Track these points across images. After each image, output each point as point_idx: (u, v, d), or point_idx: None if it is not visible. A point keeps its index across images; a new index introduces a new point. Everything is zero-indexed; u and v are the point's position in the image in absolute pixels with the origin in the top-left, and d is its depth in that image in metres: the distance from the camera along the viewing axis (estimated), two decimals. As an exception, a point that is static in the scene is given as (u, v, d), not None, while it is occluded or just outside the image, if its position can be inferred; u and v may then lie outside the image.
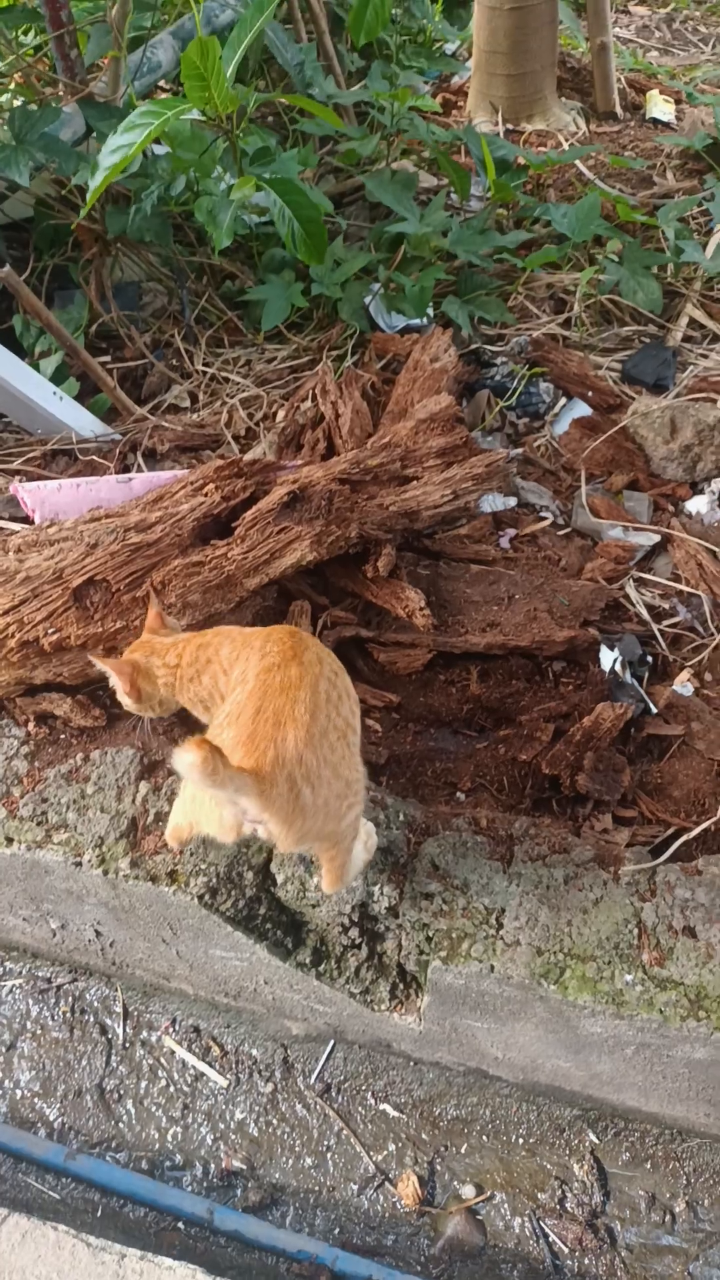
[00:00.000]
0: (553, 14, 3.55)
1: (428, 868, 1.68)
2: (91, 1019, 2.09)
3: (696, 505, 2.33)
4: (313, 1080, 1.98)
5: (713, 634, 2.13)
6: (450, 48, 4.22)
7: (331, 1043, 2.01)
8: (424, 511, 2.06)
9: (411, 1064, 1.98)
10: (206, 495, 1.97)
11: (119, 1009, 2.09)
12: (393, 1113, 1.94)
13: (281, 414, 2.46)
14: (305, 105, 2.49)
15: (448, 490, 2.06)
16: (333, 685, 1.34)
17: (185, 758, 1.08)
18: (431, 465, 2.13)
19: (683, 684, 2.07)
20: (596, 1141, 1.89)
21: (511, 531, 2.27)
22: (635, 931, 1.61)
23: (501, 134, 3.66)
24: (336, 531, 1.95)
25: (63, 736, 1.87)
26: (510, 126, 3.73)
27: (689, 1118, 1.82)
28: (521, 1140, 1.90)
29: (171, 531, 1.89)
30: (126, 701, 1.54)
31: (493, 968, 1.58)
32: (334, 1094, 1.97)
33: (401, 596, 2.01)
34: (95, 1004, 2.11)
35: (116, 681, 1.51)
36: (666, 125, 3.89)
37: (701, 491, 2.36)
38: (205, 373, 2.67)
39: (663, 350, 2.76)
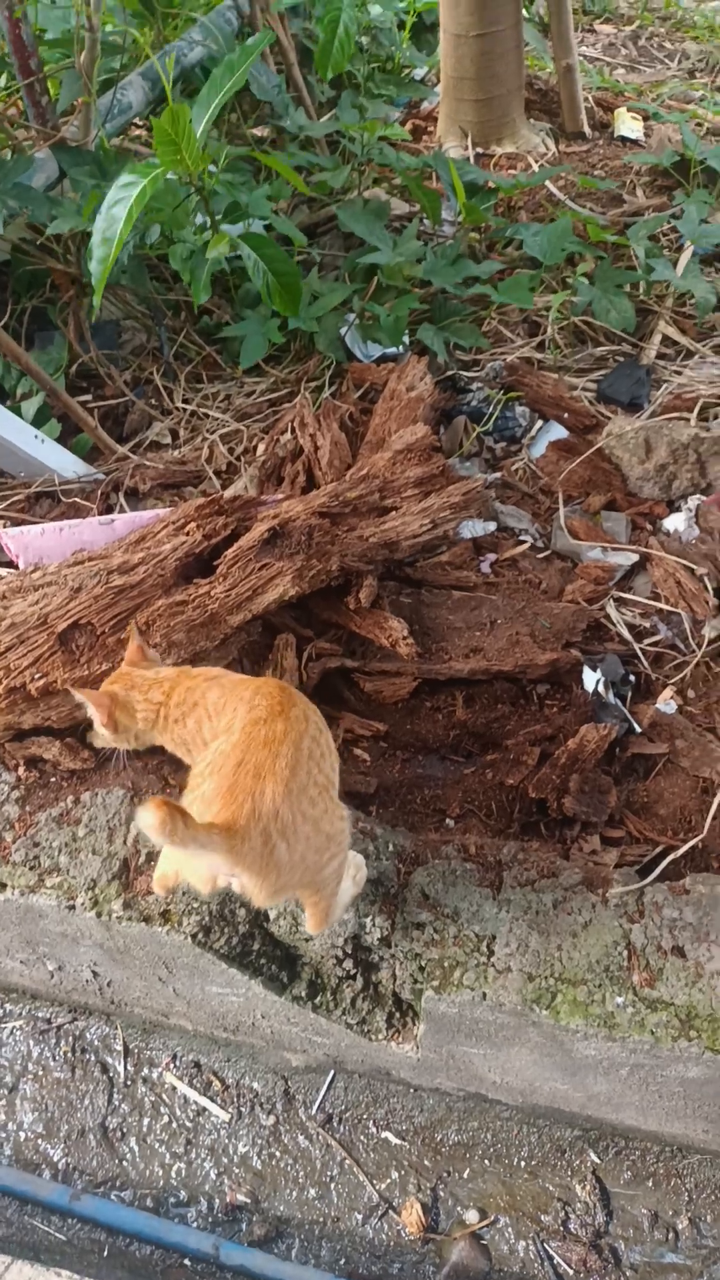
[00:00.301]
0: (518, 39, 3.60)
1: (418, 897, 1.70)
2: (92, 1058, 2.10)
3: (674, 523, 2.36)
4: (314, 1111, 1.99)
5: (693, 651, 2.16)
6: (419, 73, 4.27)
7: (331, 1073, 2.02)
8: (403, 541, 2.08)
9: (411, 1091, 1.99)
10: (188, 534, 1.99)
11: (119, 1047, 2.10)
12: (395, 1140, 1.95)
13: (262, 447, 2.49)
14: (273, 165, 2.53)
15: (426, 520, 2.09)
16: (316, 742, 1.36)
17: (144, 818, 1.11)
18: (410, 495, 2.15)
19: (666, 702, 2.09)
20: (598, 1161, 1.91)
21: (492, 556, 2.29)
22: (625, 953, 1.62)
23: (472, 158, 3.71)
24: (318, 565, 1.97)
25: (53, 780, 1.88)
26: (480, 150, 3.77)
27: (688, 1134, 1.83)
28: (523, 1163, 1.91)
29: (154, 572, 1.92)
30: (103, 733, 1.55)
31: (485, 995, 1.59)
32: (336, 1124, 1.98)
33: (384, 626, 2.03)
34: (96, 1042, 2.12)
35: (94, 713, 1.52)
36: (635, 143, 3.94)
37: (678, 509, 2.39)
38: (185, 409, 2.70)
39: (637, 369, 2.80)
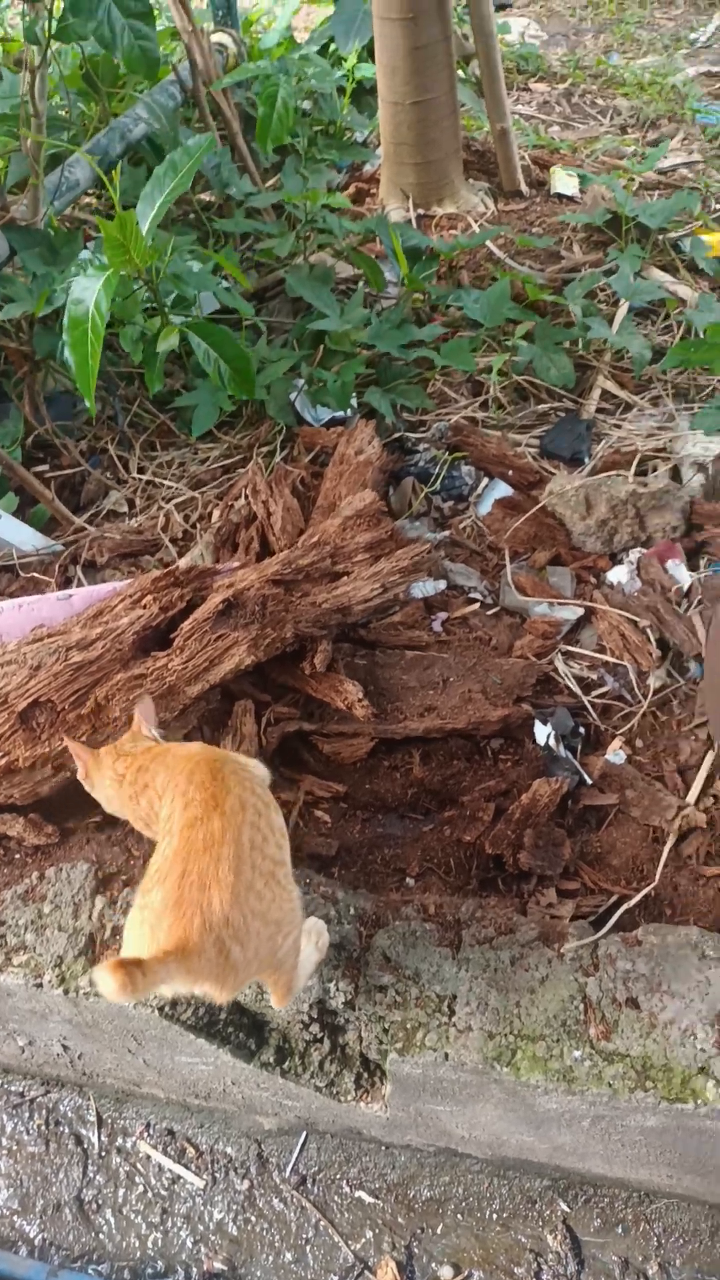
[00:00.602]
0: (453, 105, 3.73)
1: (380, 960, 1.74)
2: (66, 1130, 2.11)
3: (617, 575, 2.44)
4: (288, 1173, 2.02)
5: (640, 701, 2.23)
6: (361, 136, 4.40)
7: (304, 1134, 2.05)
8: (355, 606, 2.14)
9: (383, 1148, 2.02)
10: (145, 607, 2.04)
11: (93, 1118, 2.12)
12: (368, 1199, 1.98)
13: (217, 514, 2.55)
14: (218, 260, 2.60)
15: (377, 584, 2.15)
16: (256, 828, 1.40)
17: (104, 985, 1.16)
18: (360, 560, 2.22)
19: (615, 752, 2.16)
20: (568, 1210, 1.94)
21: (443, 615, 2.36)
22: (581, 1007, 1.68)
23: (414, 219, 3.83)
24: (272, 634, 2.03)
25: (17, 856, 1.91)
26: (422, 211, 3.89)
27: (653, 1180, 1.88)
28: (495, 1215, 1.94)
29: (112, 647, 1.96)
30: (85, 782, 1.67)
31: (447, 1055, 1.63)
32: (310, 1185, 2.00)
33: (340, 689, 2.09)
34: (69, 1114, 2.13)
35: (77, 762, 1.65)
36: (571, 199, 4.08)
37: (620, 562, 2.47)
38: (141, 478, 2.76)
39: (578, 424, 2.90)
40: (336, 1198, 1.98)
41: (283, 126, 3.12)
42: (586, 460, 2.77)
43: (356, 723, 2.12)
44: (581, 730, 2.20)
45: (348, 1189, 1.99)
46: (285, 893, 1.43)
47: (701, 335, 3.05)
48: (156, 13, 4.13)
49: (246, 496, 2.54)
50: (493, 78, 3.71)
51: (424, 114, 3.67)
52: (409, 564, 2.18)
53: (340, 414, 2.86)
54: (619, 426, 2.93)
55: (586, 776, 2.10)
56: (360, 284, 3.39)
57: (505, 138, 3.90)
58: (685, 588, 2.39)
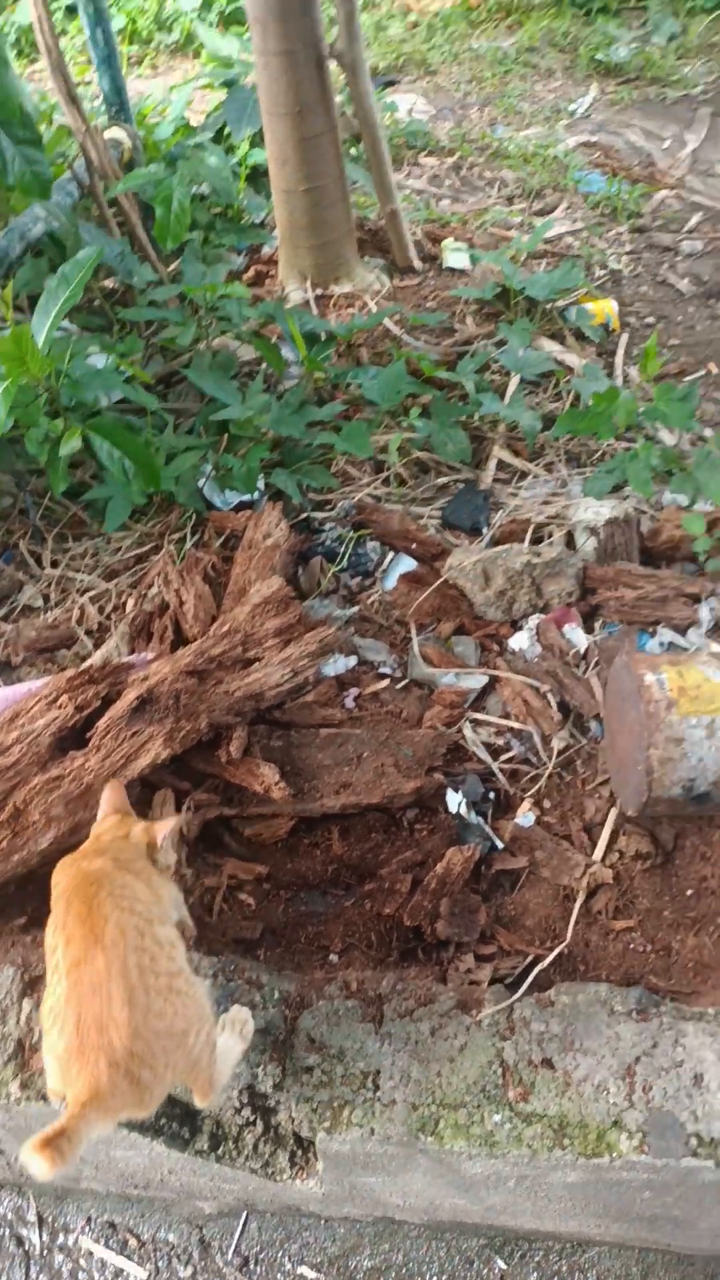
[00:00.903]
0: (343, 191, 3.90)
1: (305, 1041, 1.80)
2: (7, 1232, 2.11)
3: (518, 642, 2.56)
4: (230, 1255, 2.05)
5: (545, 764, 2.34)
6: (259, 217, 4.56)
7: (244, 1214, 2.08)
8: (268, 692, 2.23)
9: (323, 1222, 2.06)
10: (61, 707, 2.10)
11: (33, 1218, 2.12)
12: (311, 1274, 2.01)
13: (131, 604, 2.62)
14: (114, 432, 2.66)
15: (287, 669, 2.24)
16: (142, 950, 1.44)
17: (35, 1168, 1.22)
18: (271, 645, 2.31)
19: (524, 815, 2.26)
20: (505, 1267, 2.00)
21: (355, 691, 2.45)
22: (499, 1071, 1.75)
23: (312, 299, 3.98)
24: (187, 726, 2.10)
25: (-56, 964, 1.93)
26: (320, 291, 4.04)
27: (583, 1231, 1.95)
28: (435, 1279, 2.00)
29: (29, 750, 2.01)
30: None
31: (373, 1130, 1.70)
32: (253, 1266, 2.03)
33: (257, 774, 2.16)
34: (9, 1216, 2.13)
35: None
36: (463, 272, 4.27)
37: (521, 628, 2.60)
38: (54, 571, 2.81)
39: (476, 494, 3.04)
40: (280, 1275, 2.02)
41: (180, 225, 3.25)
42: (485, 530, 2.90)
43: (275, 804, 2.19)
44: (492, 795, 2.30)
45: (290, 1265, 2.03)
46: (187, 998, 1.48)
47: (589, 403, 3.23)
48: (46, 115, 4.27)
49: (159, 585, 2.61)
50: (379, 164, 3.90)
51: (316, 200, 3.83)
52: (316, 648, 2.27)
53: (248, 497, 2.96)
54: (515, 495, 3.08)
55: (498, 841, 2.20)
56: (263, 365, 3.51)
57: (395, 218, 4.09)
58: (583, 650, 2.52)
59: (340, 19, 3.48)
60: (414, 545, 2.84)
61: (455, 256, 4.32)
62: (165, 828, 1.67)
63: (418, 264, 4.27)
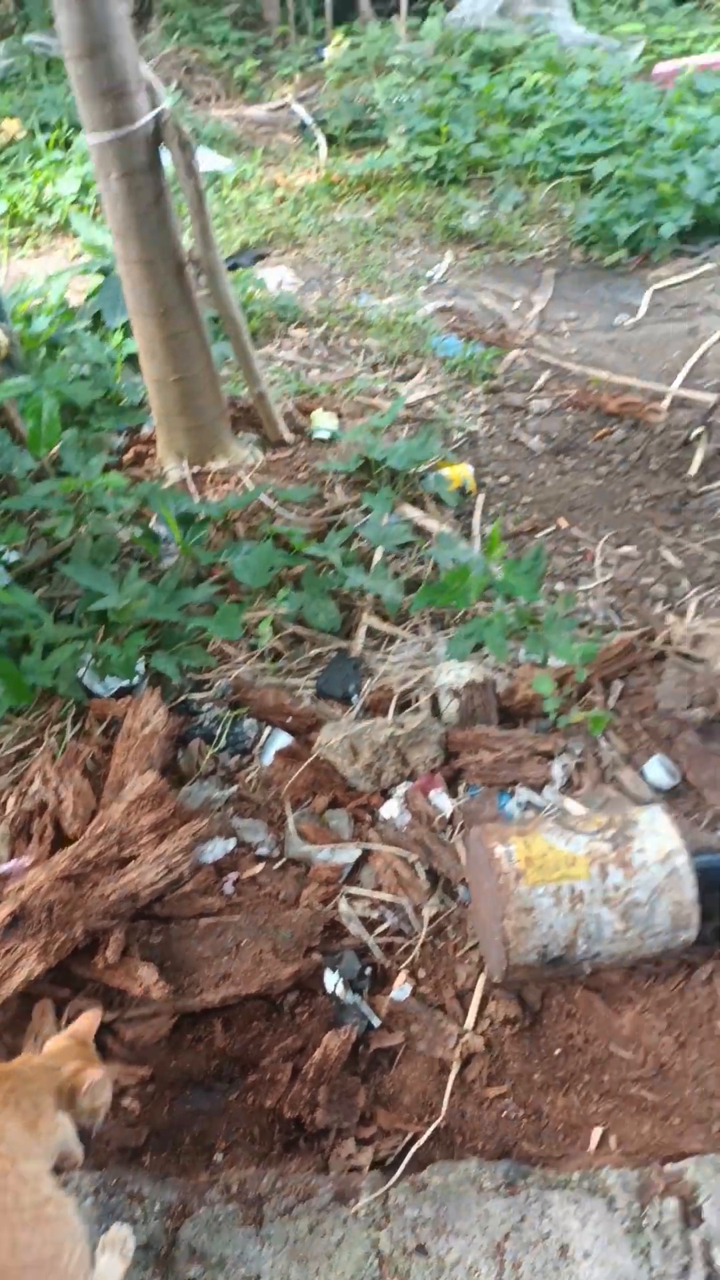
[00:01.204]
0: (212, 378, 4.17)
1: (187, 1253, 1.84)
2: None
3: (389, 811, 2.70)
4: None
5: (417, 933, 2.45)
6: (137, 398, 4.81)
7: None
8: (143, 892, 2.31)
9: None
10: (-63, 927, 2.15)
11: None
12: None
13: (11, 803, 2.69)
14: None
15: (162, 866, 2.33)
16: (4, 1190, 1.48)
17: None
18: (146, 842, 2.40)
19: (400, 988, 2.36)
20: None
21: (234, 875, 2.55)
22: (376, 1263, 1.81)
23: (189, 477, 4.20)
24: (62, 937, 2.16)
25: None
26: (197, 468, 4.27)
27: None
28: None
29: None
30: None
31: (255, 1342, 1.73)
32: None
33: (135, 976, 2.22)
34: None
35: None
36: (332, 442, 4.56)
37: (391, 796, 2.74)
38: (-65, 773, 2.87)
39: (347, 662, 3.22)
40: None
41: (51, 434, 3.45)
42: (356, 699, 3.07)
43: (156, 1002, 2.25)
44: (368, 971, 2.39)
45: None
46: (58, 1221, 1.53)
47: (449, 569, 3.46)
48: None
49: (39, 783, 2.69)
50: (244, 354, 4.18)
51: (186, 389, 4.09)
52: (189, 842, 2.38)
53: (127, 683, 3.08)
54: (384, 660, 3.26)
55: (374, 1019, 2.29)
56: (136, 561, 3.69)
57: (263, 399, 4.37)
58: (448, 815, 2.67)
59: (195, 230, 3.79)
60: (289, 719, 2.98)
61: (324, 426, 4.62)
62: (93, 1077, 1.75)
63: (289, 437, 4.54)
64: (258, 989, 2.28)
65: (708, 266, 5.99)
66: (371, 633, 3.40)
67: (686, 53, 9.42)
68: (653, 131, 6.86)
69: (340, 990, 2.32)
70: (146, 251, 3.76)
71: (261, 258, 6.77)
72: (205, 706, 3.02)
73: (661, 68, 8.67)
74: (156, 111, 3.54)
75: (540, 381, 5.03)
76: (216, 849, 2.61)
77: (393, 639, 3.39)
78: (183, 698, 3.06)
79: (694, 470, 4.13)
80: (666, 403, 4.58)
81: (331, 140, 8.64)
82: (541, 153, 7.21)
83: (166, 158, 3.60)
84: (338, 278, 6.46)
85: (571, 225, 6.65)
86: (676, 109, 7.12)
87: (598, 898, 2.18)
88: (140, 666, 3.14)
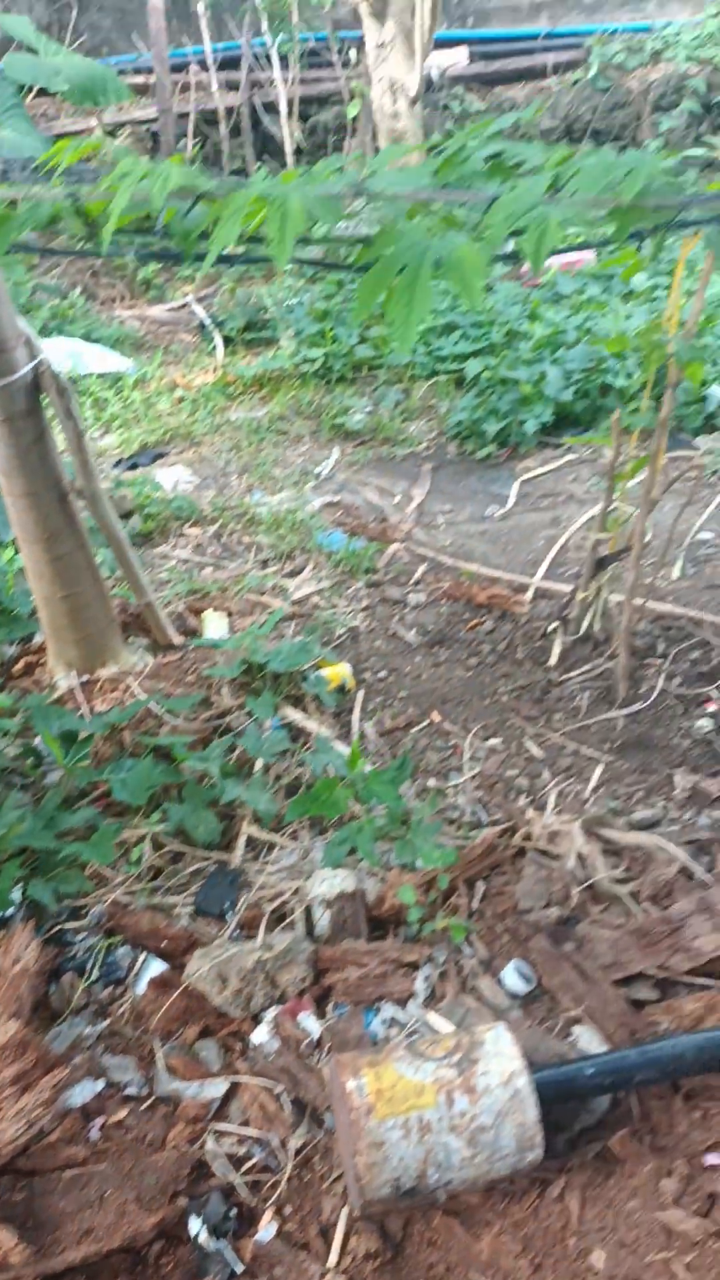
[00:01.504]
0: (100, 591, 4.37)
1: None
2: None
3: (259, 1036, 2.76)
4: None
5: (283, 1167, 2.48)
6: (29, 609, 4.98)
7: None
8: (4, 1149, 2.32)
9: None
10: None
11: None
12: None
13: None
14: None
15: (23, 1122, 2.35)
16: None
17: None
18: (8, 1095, 2.42)
19: (266, 1228, 2.38)
20: None
21: (100, 1119, 2.56)
22: None
23: (78, 687, 4.34)
24: None
25: None
26: (88, 676, 4.42)
27: None
28: None
29: None
30: None
31: None
32: None
33: (-7, 1242, 2.21)
34: None
35: None
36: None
37: (261, 1021, 2.80)
38: None
39: (225, 876, 3.31)
40: None
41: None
42: (230, 916, 3.15)
43: (15, 1267, 2.23)
44: (234, 1212, 2.41)
45: None
46: None
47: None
48: None
49: None
50: (129, 568, 4.41)
51: (74, 604, 4.28)
52: (50, 1095, 2.40)
53: (2, 914, 3.13)
54: (263, 870, 3.37)
55: (238, 1266, 2.29)
56: (29, 761, 3.79)
57: (151, 608, 4.58)
58: (316, 1038, 2.74)
59: (76, 465, 4.07)
60: (164, 943, 3.04)
61: (215, 627, 4.84)
62: None
63: (178, 640, 4.74)
64: (120, 1242, 2.28)
65: (569, 457, 6.51)
66: (251, 842, 3.52)
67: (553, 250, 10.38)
68: (516, 334, 7.52)
69: (204, 1237, 2.33)
70: (31, 485, 4.01)
71: (160, 457, 7.14)
72: (79, 936, 3.08)
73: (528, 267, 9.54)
74: (35, 362, 3.86)
75: (418, 574, 5.35)
76: (85, 1090, 2.63)
77: (272, 846, 3.50)
78: (57, 927, 3.11)
79: (553, 660, 4.41)
80: (530, 594, 4.91)
81: (229, 340, 9.25)
82: (418, 353, 7.82)
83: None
84: (232, 475, 6.84)
85: (447, 421, 7.18)
86: (538, 312, 7.83)
87: (445, 1125, 2.26)
88: (16, 895, 3.20)
